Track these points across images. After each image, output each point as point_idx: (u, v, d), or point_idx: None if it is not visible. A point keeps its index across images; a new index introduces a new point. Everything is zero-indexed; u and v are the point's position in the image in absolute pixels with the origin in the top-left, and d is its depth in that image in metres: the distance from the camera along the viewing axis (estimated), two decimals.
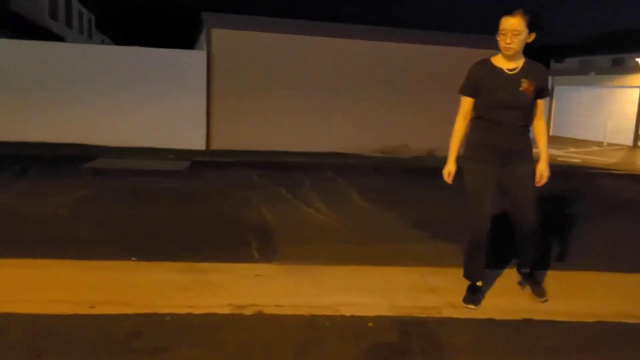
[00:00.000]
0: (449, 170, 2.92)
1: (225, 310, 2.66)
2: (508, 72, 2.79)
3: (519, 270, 3.14)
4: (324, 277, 3.22)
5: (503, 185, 2.88)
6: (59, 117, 9.20)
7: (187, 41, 13.97)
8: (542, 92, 2.85)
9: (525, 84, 2.74)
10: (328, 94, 10.10)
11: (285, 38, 9.90)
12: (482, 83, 2.81)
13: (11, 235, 3.93)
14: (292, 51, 9.97)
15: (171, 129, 9.47)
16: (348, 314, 2.68)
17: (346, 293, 2.96)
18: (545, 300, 2.94)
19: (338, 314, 2.68)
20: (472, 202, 2.84)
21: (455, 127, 2.94)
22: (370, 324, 2.59)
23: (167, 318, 2.56)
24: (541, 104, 2.91)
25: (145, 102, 9.44)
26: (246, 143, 9.75)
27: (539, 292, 2.99)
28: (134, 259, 3.45)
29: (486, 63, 2.85)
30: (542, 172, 2.90)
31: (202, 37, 10.22)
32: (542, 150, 2.95)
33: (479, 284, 2.96)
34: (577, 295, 3.12)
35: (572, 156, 12.26)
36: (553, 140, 15.42)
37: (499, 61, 2.83)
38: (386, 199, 5.79)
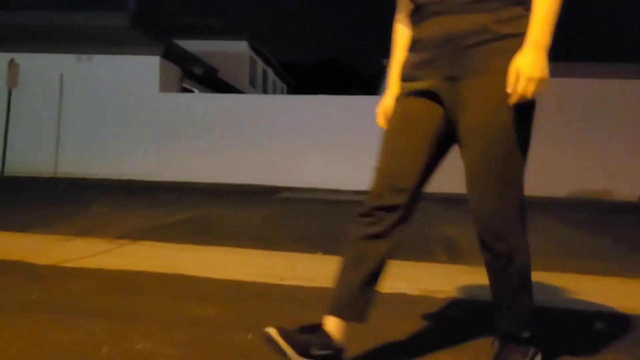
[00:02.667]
0: (383, 105, 1.66)
1: (415, 292, 2.48)
2: None
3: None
4: None
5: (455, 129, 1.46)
6: (248, 161, 10.05)
7: (371, 89, 14.55)
8: None
9: None
10: None
11: None
12: None
13: (217, 232, 4.27)
14: None
15: (350, 171, 9.73)
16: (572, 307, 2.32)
17: (554, 294, 2.57)
18: None
19: (556, 306, 2.33)
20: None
21: (393, 30, 1.67)
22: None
23: None
24: None
25: (327, 146, 9.89)
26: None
27: None
28: (320, 253, 3.45)
29: None
30: (519, 67, 1.29)
31: (383, 83, 10.53)
32: (532, 23, 1.33)
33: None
34: None
35: None
36: None
37: None
38: (591, 229, 5.13)
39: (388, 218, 1.51)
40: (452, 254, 3.60)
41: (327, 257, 3.33)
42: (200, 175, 10.04)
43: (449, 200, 8.00)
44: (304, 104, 10.28)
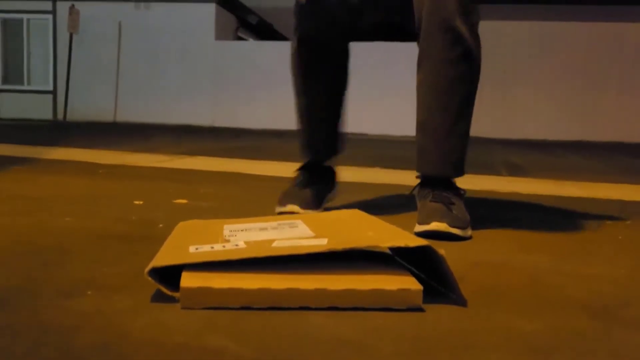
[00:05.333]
0: None
1: (477, 188, 2.42)
2: None
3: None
4: None
5: None
6: None
7: None
8: None
9: None
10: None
11: (530, 25, 9.30)
12: None
13: (273, 155, 4.29)
14: (540, 38, 9.30)
15: (398, 117, 9.58)
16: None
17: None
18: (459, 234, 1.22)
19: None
20: None
21: None
22: None
23: None
24: None
25: (387, 92, 9.70)
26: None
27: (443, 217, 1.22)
28: (378, 167, 3.41)
29: None
30: None
31: None
32: None
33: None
34: None
35: None
36: None
37: None
38: None
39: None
40: (514, 172, 3.50)
41: (384, 170, 3.31)
42: (256, 121, 10.13)
43: (507, 143, 7.85)
44: (360, 52, 10.12)
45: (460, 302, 0.74)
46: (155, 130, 7.76)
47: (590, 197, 2.23)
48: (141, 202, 1.60)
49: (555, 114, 9.19)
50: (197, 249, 0.73)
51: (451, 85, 1.32)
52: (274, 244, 0.73)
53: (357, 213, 0.96)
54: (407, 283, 0.69)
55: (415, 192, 1.44)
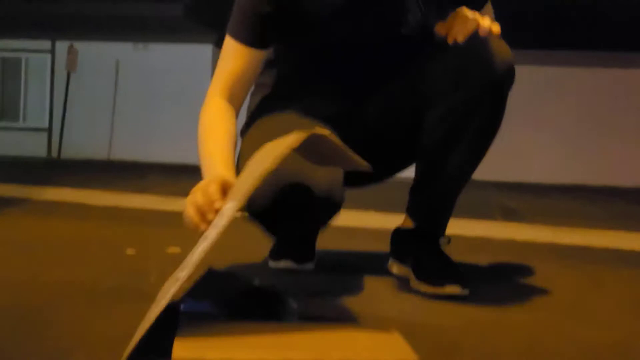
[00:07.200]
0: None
1: (472, 234, 2.41)
2: None
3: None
4: None
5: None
6: None
7: None
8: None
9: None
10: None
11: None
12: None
13: None
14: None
15: None
16: None
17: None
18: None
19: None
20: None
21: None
22: None
23: None
24: None
25: None
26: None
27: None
28: (372, 210, 3.41)
29: None
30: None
31: None
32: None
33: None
34: None
35: None
36: None
37: None
38: None
39: None
40: (509, 217, 3.50)
41: (379, 213, 3.30)
42: None
43: (502, 186, 7.87)
44: None
45: None
46: (150, 169, 7.77)
47: (587, 246, 2.23)
48: (133, 251, 1.58)
49: (552, 157, 9.26)
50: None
51: (477, 148, 1.34)
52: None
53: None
54: (403, 353, 0.68)
55: (397, 235, 1.44)
